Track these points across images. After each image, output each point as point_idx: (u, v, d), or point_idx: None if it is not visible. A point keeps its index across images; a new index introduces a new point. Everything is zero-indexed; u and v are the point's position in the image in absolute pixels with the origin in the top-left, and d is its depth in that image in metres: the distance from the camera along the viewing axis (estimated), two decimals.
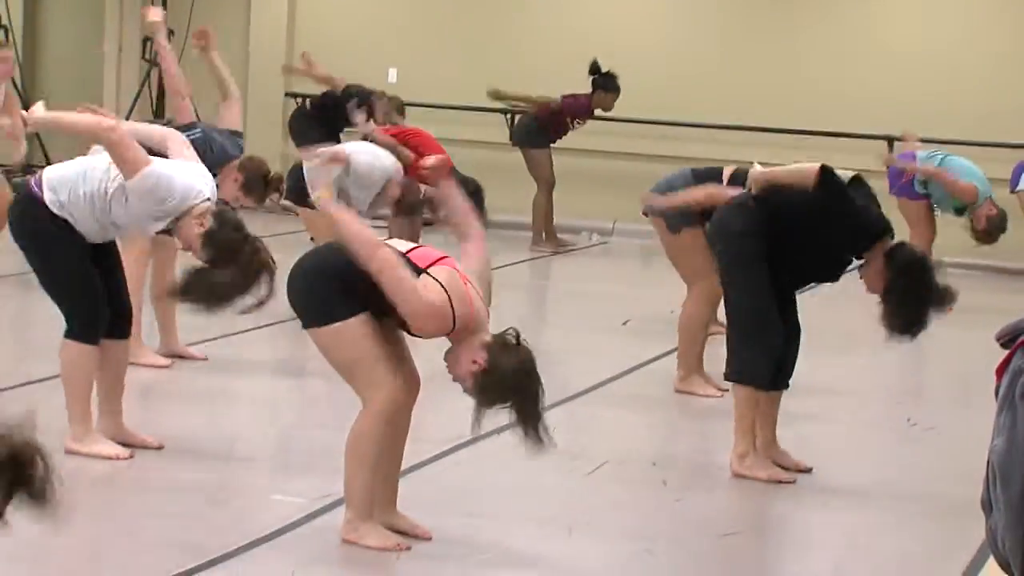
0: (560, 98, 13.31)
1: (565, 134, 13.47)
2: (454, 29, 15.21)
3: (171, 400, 7.46)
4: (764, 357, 6.25)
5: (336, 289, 4.94)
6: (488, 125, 14.80)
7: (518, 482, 6.31)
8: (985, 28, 14.03)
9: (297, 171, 9.44)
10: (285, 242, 13.01)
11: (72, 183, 5.86)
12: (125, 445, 6.13)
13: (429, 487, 6.03)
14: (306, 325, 5.04)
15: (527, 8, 15.20)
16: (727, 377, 6.39)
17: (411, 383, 5.16)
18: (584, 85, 13.31)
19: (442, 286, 4.85)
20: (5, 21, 14.99)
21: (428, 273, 4.86)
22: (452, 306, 4.84)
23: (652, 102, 14.54)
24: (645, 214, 8.07)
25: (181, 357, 8.02)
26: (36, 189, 5.91)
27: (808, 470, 6.50)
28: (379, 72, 14.92)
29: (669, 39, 14.77)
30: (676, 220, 7.70)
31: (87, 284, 5.95)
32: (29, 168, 9.96)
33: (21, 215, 5.99)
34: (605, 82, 13.22)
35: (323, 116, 12.18)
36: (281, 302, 11.33)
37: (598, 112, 13.59)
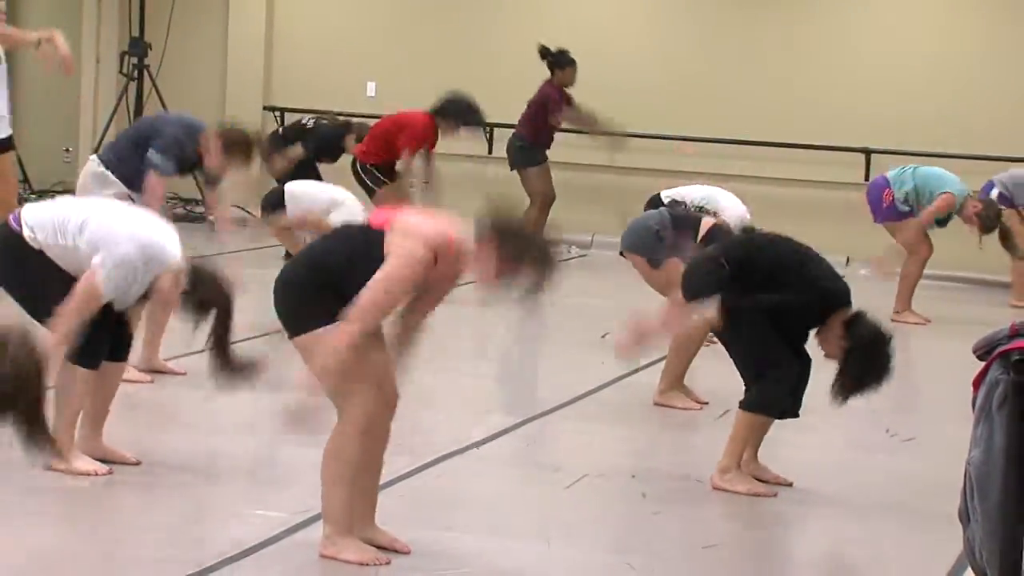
0: (527, 105, 13.36)
1: (553, 133, 13.45)
2: (433, 42, 15.23)
3: (151, 415, 7.44)
4: (782, 386, 6.30)
5: (317, 297, 4.94)
6: (468, 138, 14.82)
7: (497, 495, 6.31)
8: (961, 43, 14.08)
9: (276, 194, 9.47)
10: (262, 255, 13.02)
11: (49, 230, 5.90)
12: (104, 461, 6.11)
13: (408, 500, 6.02)
14: (290, 335, 5.02)
15: (508, 21, 15.22)
16: (744, 406, 6.37)
17: (390, 397, 5.15)
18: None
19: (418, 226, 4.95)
20: None
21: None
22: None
23: (631, 115, 14.56)
24: (621, 254, 8.14)
25: (161, 372, 8.00)
26: (15, 225, 5.91)
27: (788, 484, 6.51)
28: (358, 85, 14.97)
29: (651, 52, 14.81)
30: (658, 255, 7.80)
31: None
32: None
33: (3, 253, 5.97)
34: (558, 59, 13.30)
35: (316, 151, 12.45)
36: (265, 316, 11.34)
37: (576, 125, 13.61)
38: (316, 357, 4.96)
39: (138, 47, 14.86)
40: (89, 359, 5.95)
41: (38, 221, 5.93)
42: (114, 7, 15.97)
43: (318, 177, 12.46)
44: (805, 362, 6.41)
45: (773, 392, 6.30)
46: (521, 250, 4.96)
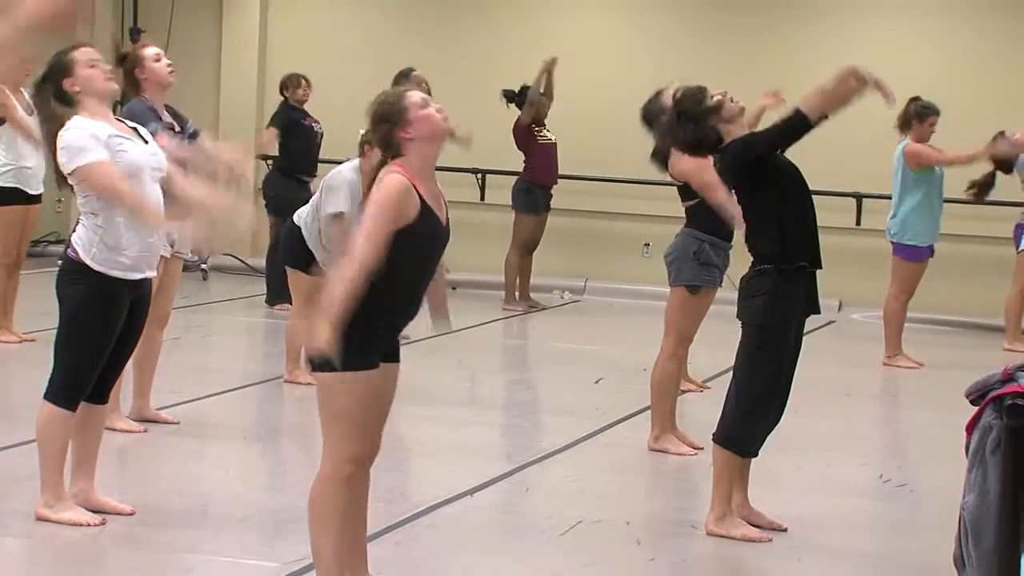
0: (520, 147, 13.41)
1: (554, 157, 13.47)
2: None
3: (143, 464, 7.43)
4: (759, 428, 6.32)
5: (347, 337, 4.91)
6: (459, 185, 14.84)
7: (491, 543, 6.29)
8: (954, 89, 14.12)
9: (296, 234, 8.81)
10: (251, 304, 13.03)
11: (89, 224, 5.89)
12: (96, 512, 6.09)
13: (402, 548, 6.01)
14: (314, 368, 5.00)
15: (499, 62, 15.26)
16: (715, 439, 6.39)
17: (373, 448, 5.13)
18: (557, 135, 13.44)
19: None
20: None
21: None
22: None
23: (621, 161, 14.61)
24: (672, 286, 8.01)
25: (153, 421, 7.99)
26: (72, 254, 5.93)
27: (783, 529, 6.50)
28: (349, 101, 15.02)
29: (640, 97, 14.82)
30: (695, 281, 7.73)
31: (95, 356, 5.92)
32: None
33: (66, 277, 5.96)
34: (525, 100, 13.34)
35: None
36: (256, 364, 11.33)
37: (569, 171, 13.64)
38: (326, 398, 4.93)
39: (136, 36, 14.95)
40: (67, 399, 5.93)
41: (80, 232, 5.94)
42: (108, 2, 16.06)
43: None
44: (780, 410, 6.43)
45: (747, 432, 6.32)
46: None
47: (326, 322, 4.69)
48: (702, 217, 7.70)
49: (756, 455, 6.45)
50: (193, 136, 7.97)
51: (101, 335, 5.89)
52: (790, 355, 6.33)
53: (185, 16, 15.58)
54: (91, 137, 5.84)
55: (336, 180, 8.38)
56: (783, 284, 6.24)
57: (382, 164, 4.98)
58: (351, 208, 8.05)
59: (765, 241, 6.31)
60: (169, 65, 7.72)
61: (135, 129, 6.12)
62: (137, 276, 5.95)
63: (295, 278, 8.91)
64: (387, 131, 4.93)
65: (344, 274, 4.75)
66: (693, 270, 7.73)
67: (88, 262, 5.87)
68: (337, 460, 4.96)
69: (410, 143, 4.91)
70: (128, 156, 5.91)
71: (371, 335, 4.89)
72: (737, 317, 6.53)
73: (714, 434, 6.41)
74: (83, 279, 5.88)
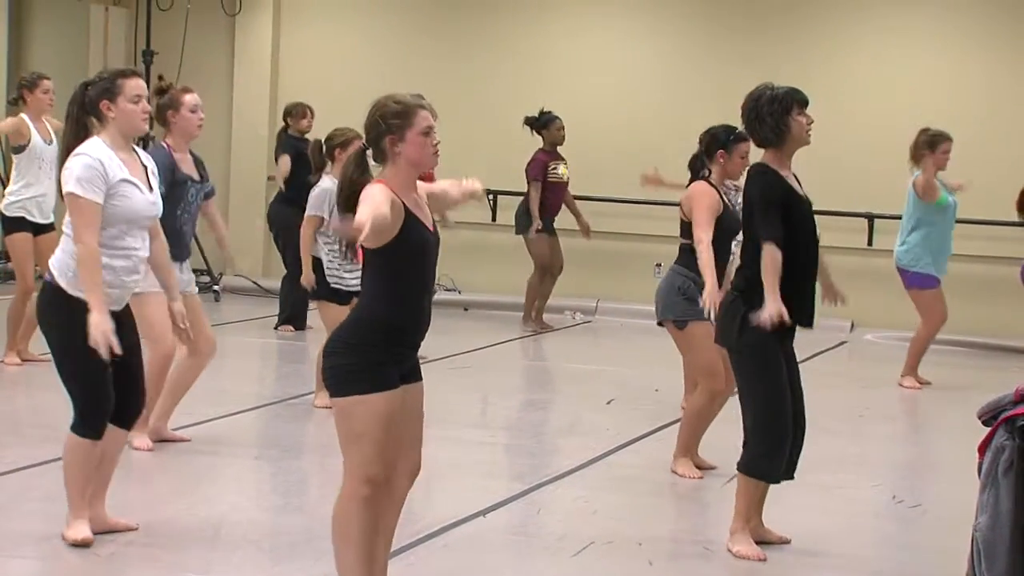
0: (529, 180, 13.39)
1: (560, 201, 13.46)
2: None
3: (156, 484, 7.45)
4: (778, 453, 6.31)
5: (358, 360, 4.91)
6: (470, 205, 14.82)
7: (504, 564, 6.29)
8: (966, 107, 14.15)
9: (315, 266, 9.05)
10: (263, 325, 13.06)
11: (68, 248, 5.91)
12: (104, 532, 6.12)
13: (416, 570, 6.02)
14: (331, 395, 5.01)
15: (511, 81, 15.32)
16: (740, 468, 6.40)
17: (410, 470, 5.15)
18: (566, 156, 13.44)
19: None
20: None
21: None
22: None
23: (633, 181, 14.61)
24: (660, 323, 8.03)
25: (167, 441, 8.02)
26: (49, 278, 5.95)
27: (788, 541, 6.59)
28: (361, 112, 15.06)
29: (652, 118, 14.89)
30: (682, 316, 7.74)
31: (96, 379, 5.90)
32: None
33: (45, 305, 5.99)
34: (539, 121, 13.36)
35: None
36: (269, 385, 11.34)
37: (581, 192, 13.66)
38: (342, 421, 4.94)
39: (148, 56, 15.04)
40: (89, 429, 5.94)
41: (57, 256, 5.97)
42: (121, 21, 16.11)
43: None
44: (800, 429, 6.42)
45: (767, 459, 6.32)
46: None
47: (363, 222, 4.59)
48: (690, 256, 7.76)
49: (779, 481, 6.43)
50: (209, 194, 8.04)
51: (91, 355, 5.81)
52: (787, 368, 6.31)
53: (198, 38, 15.65)
54: (100, 176, 5.85)
55: (315, 192, 9.06)
56: (759, 305, 6.22)
57: (360, 154, 4.98)
58: (328, 211, 8.85)
59: (755, 277, 6.27)
60: (201, 119, 7.83)
61: (145, 167, 6.13)
62: (113, 307, 5.93)
63: (325, 309, 9.07)
64: (382, 133, 4.94)
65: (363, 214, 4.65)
66: (679, 305, 7.82)
67: (64, 286, 5.87)
68: (355, 482, 4.97)
69: (396, 157, 4.93)
70: (129, 203, 5.94)
71: (385, 356, 4.91)
72: (717, 342, 6.55)
73: (738, 463, 6.42)
74: (60, 303, 5.88)
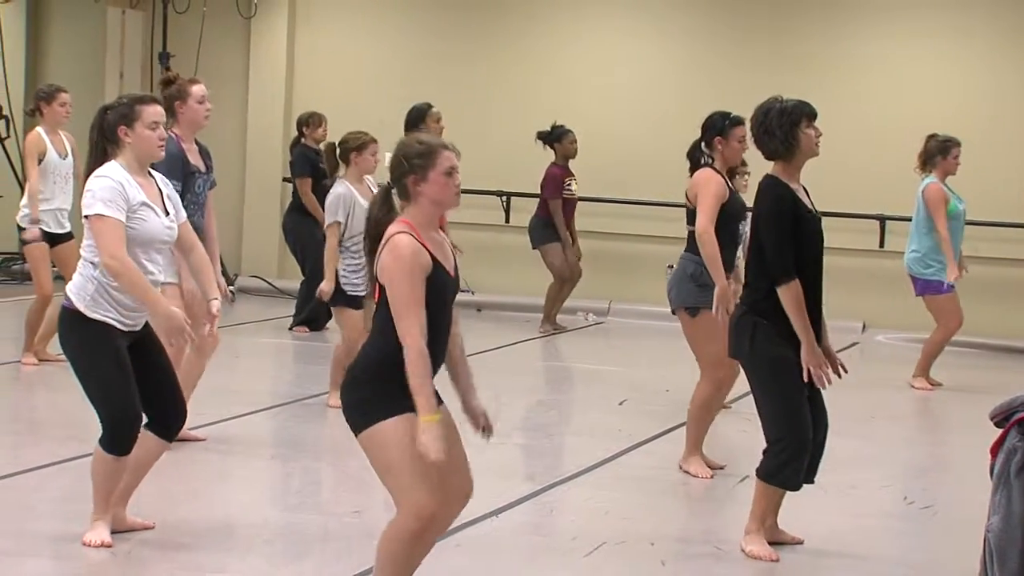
0: (540, 188, 13.42)
1: (572, 211, 13.48)
2: (448, 117, 15.36)
3: (171, 483, 7.47)
4: (798, 461, 6.31)
5: (374, 391, 4.90)
6: (484, 207, 14.93)
7: (516, 564, 6.33)
8: (976, 109, 14.17)
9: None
10: (278, 325, 13.11)
11: (86, 272, 5.95)
12: (123, 532, 6.17)
13: (428, 570, 6.02)
14: (355, 432, 4.96)
15: (523, 84, 15.35)
16: (759, 475, 6.42)
17: (457, 494, 5.08)
18: (577, 165, 13.45)
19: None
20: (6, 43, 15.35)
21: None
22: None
23: (644, 183, 14.68)
24: (673, 312, 8.05)
25: (182, 440, 8.05)
26: (67, 302, 5.99)
27: (800, 542, 6.61)
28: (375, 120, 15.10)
29: (664, 122, 14.91)
30: (694, 303, 7.76)
31: (121, 398, 5.93)
32: None
33: (65, 331, 6.04)
34: (552, 135, 13.39)
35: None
36: (283, 385, 11.37)
37: (593, 194, 13.70)
38: (372, 455, 4.91)
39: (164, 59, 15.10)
40: (116, 446, 5.97)
41: (75, 281, 6.02)
42: (138, 24, 16.17)
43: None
44: (822, 431, 6.44)
45: (788, 470, 6.32)
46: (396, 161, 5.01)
47: (425, 420, 4.76)
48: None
49: (798, 488, 6.42)
50: (211, 185, 8.06)
51: (114, 373, 5.89)
52: (802, 373, 6.31)
53: (213, 42, 15.71)
54: (120, 196, 5.90)
55: (330, 199, 9.10)
56: (769, 318, 6.25)
57: (385, 193, 5.03)
58: (345, 215, 9.01)
59: (758, 286, 6.32)
60: (208, 109, 7.86)
61: (161, 191, 6.16)
62: (126, 328, 5.98)
63: (342, 314, 9.16)
64: (405, 172, 4.97)
65: (415, 371, 4.78)
66: (691, 292, 7.83)
67: (82, 309, 5.91)
68: (404, 516, 4.88)
69: (419, 196, 4.96)
70: (146, 226, 5.99)
71: (398, 387, 4.83)
72: (730, 355, 6.56)
73: (757, 468, 6.44)
74: (79, 326, 5.92)
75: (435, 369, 4.99)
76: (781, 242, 6.25)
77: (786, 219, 6.29)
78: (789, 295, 6.20)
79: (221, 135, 8.19)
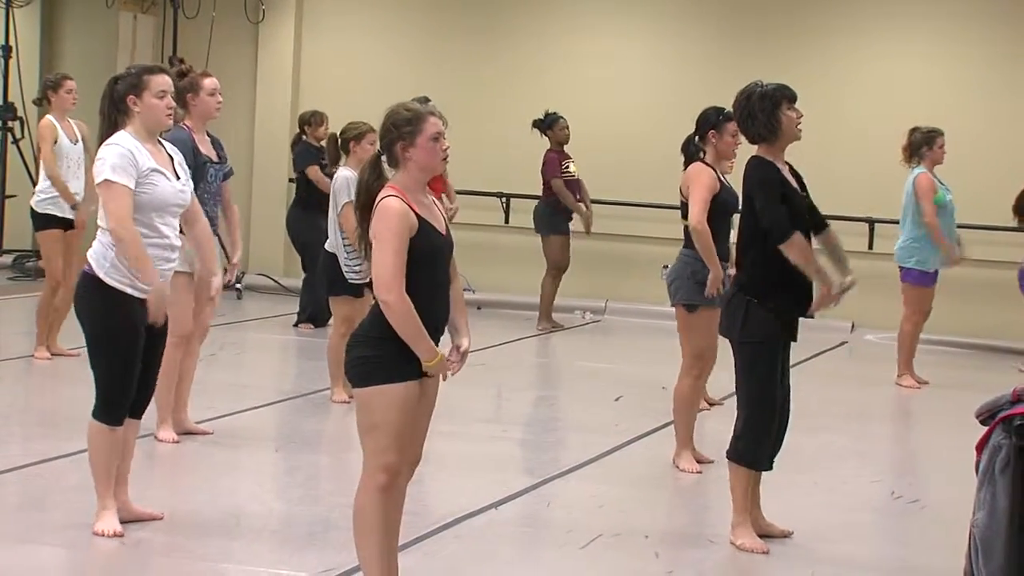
0: (549, 180, 13.51)
1: (574, 190, 13.56)
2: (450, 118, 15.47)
3: (179, 475, 7.60)
4: (765, 442, 6.50)
5: (377, 352, 5.08)
6: (484, 208, 15.05)
7: (514, 555, 6.45)
8: (964, 113, 14.24)
9: (332, 263, 9.33)
10: (284, 322, 13.21)
11: (105, 239, 6.08)
12: (132, 521, 6.30)
13: (429, 561, 6.16)
14: (353, 386, 5.20)
15: (525, 87, 15.42)
16: (729, 457, 6.59)
17: (412, 460, 5.30)
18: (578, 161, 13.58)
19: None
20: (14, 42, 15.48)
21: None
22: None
23: (641, 185, 14.77)
24: (673, 306, 8.16)
25: (190, 433, 8.18)
26: (88, 269, 6.12)
27: (790, 534, 6.75)
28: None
29: (661, 122, 14.99)
30: (694, 300, 7.88)
31: (124, 368, 6.09)
32: None
33: (82, 293, 6.15)
34: (544, 123, 13.53)
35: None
36: (289, 380, 11.44)
37: (591, 196, 13.78)
38: (362, 411, 5.12)
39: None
40: (109, 416, 6.11)
41: (95, 248, 6.15)
42: (149, 28, 16.28)
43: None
44: (784, 419, 6.61)
45: (757, 448, 6.50)
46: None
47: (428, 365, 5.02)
48: None
49: (769, 468, 6.62)
50: (227, 175, 8.20)
51: (125, 346, 6.04)
52: (781, 366, 6.49)
53: (222, 46, 15.83)
54: (130, 163, 6.03)
55: (338, 183, 9.25)
56: (762, 298, 6.42)
57: (375, 160, 5.20)
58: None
59: (750, 267, 6.47)
60: (219, 102, 8.01)
61: (171, 157, 6.31)
62: (142, 296, 6.08)
63: (337, 303, 9.34)
64: (393, 139, 5.16)
65: (404, 331, 5.01)
66: (690, 289, 7.91)
67: (102, 276, 6.04)
68: (372, 471, 5.12)
69: (407, 161, 5.15)
70: (158, 190, 6.12)
71: (404, 348, 5.05)
72: (721, 334, 6.71)
73: (727, 451, 6.61)
74: (98, 294, 6.05)
75: (440, 327, 5.20)
76: (773, 203, 6.36)
77: (774, 185, 6.42)
78: (794, 250, 6.32)
79: (229, 136, 8.31)
